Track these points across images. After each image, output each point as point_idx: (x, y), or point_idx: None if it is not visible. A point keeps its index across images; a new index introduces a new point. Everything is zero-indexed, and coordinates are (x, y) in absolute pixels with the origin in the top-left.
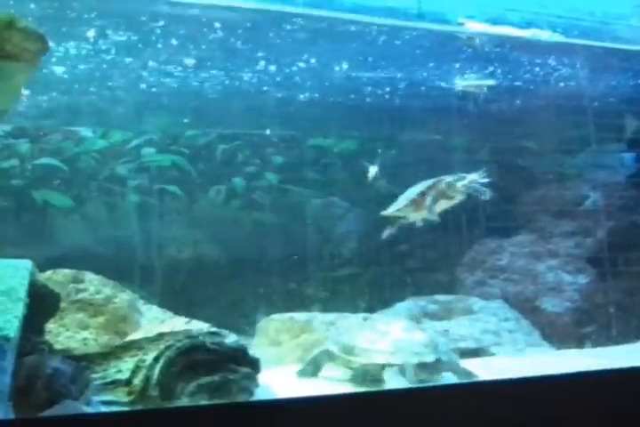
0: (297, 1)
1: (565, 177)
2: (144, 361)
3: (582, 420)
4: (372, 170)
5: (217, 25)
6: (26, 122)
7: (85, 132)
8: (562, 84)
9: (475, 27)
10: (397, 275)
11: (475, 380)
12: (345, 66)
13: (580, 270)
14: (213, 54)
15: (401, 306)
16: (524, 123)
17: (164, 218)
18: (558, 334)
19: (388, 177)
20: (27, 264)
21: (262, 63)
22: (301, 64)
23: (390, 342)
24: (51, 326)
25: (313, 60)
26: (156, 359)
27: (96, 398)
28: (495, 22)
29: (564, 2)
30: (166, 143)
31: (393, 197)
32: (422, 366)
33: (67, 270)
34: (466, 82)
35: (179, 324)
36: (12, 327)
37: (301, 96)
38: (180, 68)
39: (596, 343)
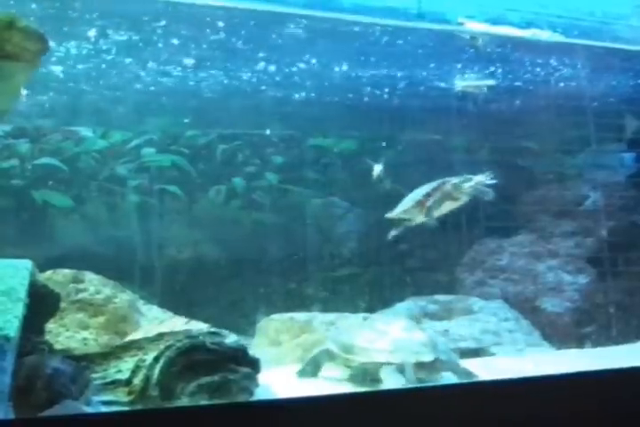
0: (296, 1)
1: (565, 177)
2: (144, 361)
3: (582, 420)
4: (377, 168)
5: (217, 25)
6: (26, 122)
7: (85, 132)
8: (562, 84)
9: (474, 27)
10: (397, 275)
11: (475, 380)
12: (345, 66)
13: (580, 270)
14: (213, 54)
15: (401, 306)
16: (523, 123)
17: (164, 218)
18: (558, 334)
19: (389, 177)
20: (27, 264)
21: (262, 63)
22: (301, 64)
23: (389, 341)
24: (51, 326)
25: (313, 61)
26: (156, 359)
27: (96, 398)
28: (495, 22)
29: (564, 2)
30: (166, 143)
31: (393, 197)
32: (421, 366)
33: (67, 270)
34: (465, 82)
35: (178, 324)
36: (12, 327)
37: (301, 96)
38: (180, 68)
39: (596, 343)
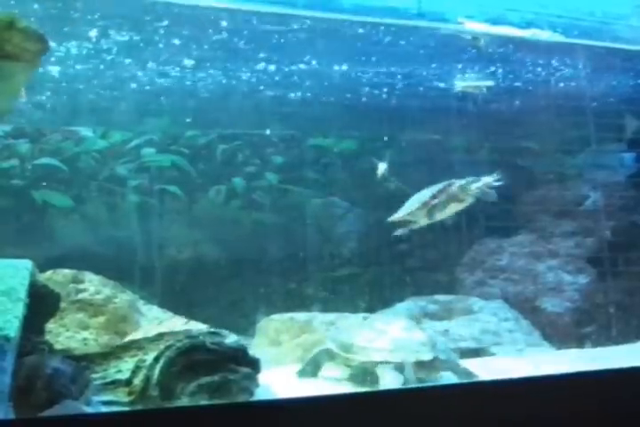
0: (296, 2)
1: (565, 177)
2: (144, 361)
3: (582, 420)
4: (382, 167)
5: (216, 26)
6: (26, 122)
7: (85, 132)
8: (562, 84)
9: (474, 27)
10: (397, 275)
11: (475, 380)
12: (344, 66)
13: (580, 270)
14: (213, 55)
15: (401, 306)
16: (524, 123)
17: (164, 218)
18: (558, 334)
19: (394, 176)
20: (27, 264)
21: (261, 64)
22: (301, 64)
23: (389, 341)
24: (51, 326)
25: (313, 61)
26: (157, 359)
27: (96, 398)
28: (495, 22)
29: (564, 2)
30: (166, 143)
31: (396, 197)
32: (420, 365)
33: (67, 271)
34: (464, 82)
35: (178, 324)
36: (13, 327)
37: (301, 96)
38: (179, 69)
39: (596, 343)
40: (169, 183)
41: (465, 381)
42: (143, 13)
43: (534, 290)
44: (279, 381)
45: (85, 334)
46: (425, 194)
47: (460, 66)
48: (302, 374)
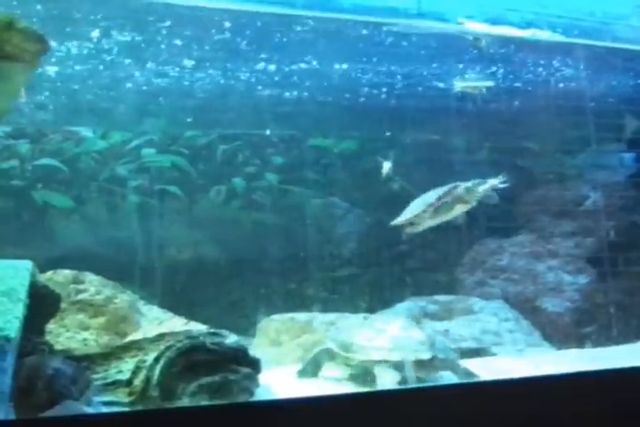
0: (296, 2)
1: (565, 177)
2: (144, 362)
3: (583, 420)
4: (386, 166)
5: (216, 26)
6: (26, 122)
7: (85, 132)
8: (562, 85)
9: (474, 27)
10: (397, 275)
11: (475, 380)
12: (345, 66)
13: (580, 270)
14: (213, 55)
15: (401, 306)
16: (524, 123)
17: (164, 218)
18: (558, 334)
19: (398, 175)
20: (27, 265)
21: (261, 64)
22: (301, 65)
23: (388, 340)
24: (51, 326)
25: (313, 61)
26: (157, 360)
27: (97, 399)
28: (495, 22)
29: (564, 2)
30: (166, 144)
31: (399, 198)
32: (419, 364)
33: (67, 271)
34: (464, 83)
35: (178, 324)
36: (13, 328)
37: (301, 96)
38: (179, 69)
39: (596, 343)
40: (169, 184)
41: (465, 381)
42: (143, 14)
43: (534, 290)
44: (279, 381)
45: (86, 334)
46: (431, 196)
47: (460, 66)
48: (302, 374)
